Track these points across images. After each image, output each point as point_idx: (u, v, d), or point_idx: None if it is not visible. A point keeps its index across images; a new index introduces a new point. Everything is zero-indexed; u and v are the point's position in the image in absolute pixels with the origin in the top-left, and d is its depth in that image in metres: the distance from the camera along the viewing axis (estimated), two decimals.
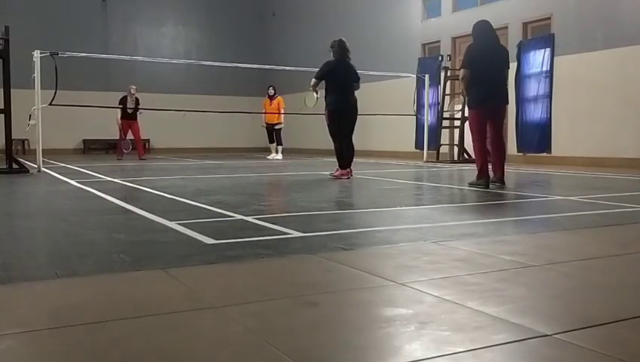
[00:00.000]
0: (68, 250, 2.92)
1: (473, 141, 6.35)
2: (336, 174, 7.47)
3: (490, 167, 6.16)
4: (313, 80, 7.63)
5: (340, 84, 7.42)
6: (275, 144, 13.91)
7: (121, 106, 13.26)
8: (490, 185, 6.06)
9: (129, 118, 13.39)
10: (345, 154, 7.54)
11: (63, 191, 5.94)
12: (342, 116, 7.47)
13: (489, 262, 2.54)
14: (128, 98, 13.38)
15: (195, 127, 17.82)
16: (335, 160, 7.70)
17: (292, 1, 19.00)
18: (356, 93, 7.63)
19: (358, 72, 7.62)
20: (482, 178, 6.08)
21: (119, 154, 13.70)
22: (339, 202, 5.17)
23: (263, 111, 13.76)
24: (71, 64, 11.54)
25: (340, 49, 7.46)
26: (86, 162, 11.92)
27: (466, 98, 6.23)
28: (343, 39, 7.52)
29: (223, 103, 16.70)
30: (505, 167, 6.31)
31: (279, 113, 13.63)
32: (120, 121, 13.42)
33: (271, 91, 13.64)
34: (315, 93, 7.66)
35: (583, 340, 1.60)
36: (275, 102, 13.66)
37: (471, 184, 6.26)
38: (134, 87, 13.57)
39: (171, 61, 15.42)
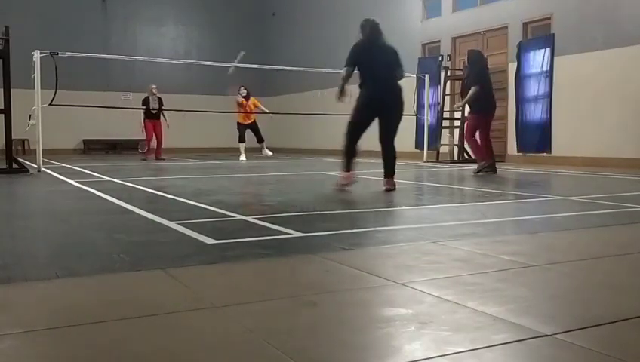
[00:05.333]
0: (68, 250, 2.92)
1: (472, 138, 8.39)
2: (340, 181, 5.87)
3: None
4: (344, 70, 5.83)
5: (370, 69, 5.81)
6: (245, 144, 13.32)
7: (144, 108, 13.29)
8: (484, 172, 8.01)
9: (153, 117, 13.40)
10: (384, 161, 5.94)
11: (63, 192, 5.94)
12: (369, 109, 5.75)
13: (489, 262, 2.54)
14: (150, 98, 13.40)
15: (195, 127, 17.81)
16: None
17: (292, 1, 19.00)
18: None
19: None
20: (489, 163, 8.14)
21: (145, 154, 13.77)
22: (339, 202, 5.17)
23: (239, 110, 13.18)
24: (71, 64, 11.53)
25: (372, 29, 5.95)
26: (86, 162, 11.92)
27: (471, 106, 8.66)
28: (375, 20, 6.02)
29: (223, 103, 16.71)
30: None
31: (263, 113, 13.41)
32: (144, 123, 13.40)
33: (243, 92, 12.97)
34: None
35: (583, 340, 1.60)
36: (250, 102, 13.12)
37: (477, 172, 7.98)
38: (155, 86, 13.58)
39: (171, 61, 15.41)
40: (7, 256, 2.75)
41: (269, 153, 13.42)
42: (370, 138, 5.99)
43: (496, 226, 3.66)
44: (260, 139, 13.31)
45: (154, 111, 13.34)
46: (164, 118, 13.61)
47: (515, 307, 1.90)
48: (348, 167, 5.78)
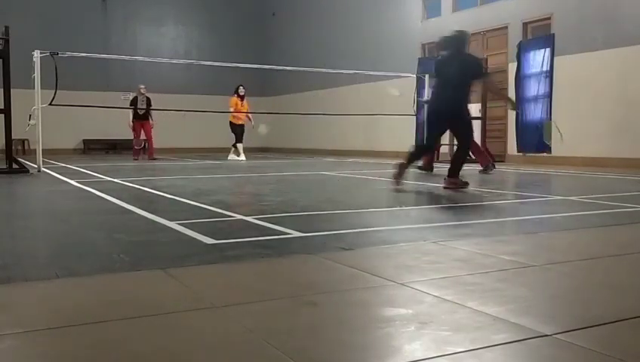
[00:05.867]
0: (68, 250, 2.92)
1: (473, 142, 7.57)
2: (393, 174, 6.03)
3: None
4: None
5: (435, 81, 6.43)
6: (241, 144, 13.37)
7: (132, 107, 13.30)
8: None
9: (140, 118, 13.44)
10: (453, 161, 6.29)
11: (63, 192, 5.94)
12: (430, 121, 6.38)
13: (489, 262, 2.54)
14: (138, 98, 13.41)
15: (195, 127, 17.81)
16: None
17: (292, 1, 19.01)
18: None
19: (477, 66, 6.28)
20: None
21: (135, 154, 13.79)
22: (339, 202, 5.17)
23: (232, 110, 13.16)
24: (71, 64, 11.53)
25: (442, 43, 6.43)
26: (86, 162, 11.92)
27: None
28: (462, 32, 6.35)
29: (223, 103, 16.72)
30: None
31: (250, 113, 13.42)
32: (132, 123, 13.48)
33: (242, 90, 13.08)
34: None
35: (583, 340, 1.60)
36: (245, 102, 13.20)
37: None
38: (143, 86, 13.62)
39: (171, 61, 15.41)
40: (7, 256, 2.75)
41: (237, 158, 13.10)
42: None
43: (496, 226, 3.66)
44: (239, 141, 13.33)
45: (141, 112, 13.36)
46: (151, 118, 13.61)
47: (515, 307, 1.90)
48: (403, 165, 5.93)
